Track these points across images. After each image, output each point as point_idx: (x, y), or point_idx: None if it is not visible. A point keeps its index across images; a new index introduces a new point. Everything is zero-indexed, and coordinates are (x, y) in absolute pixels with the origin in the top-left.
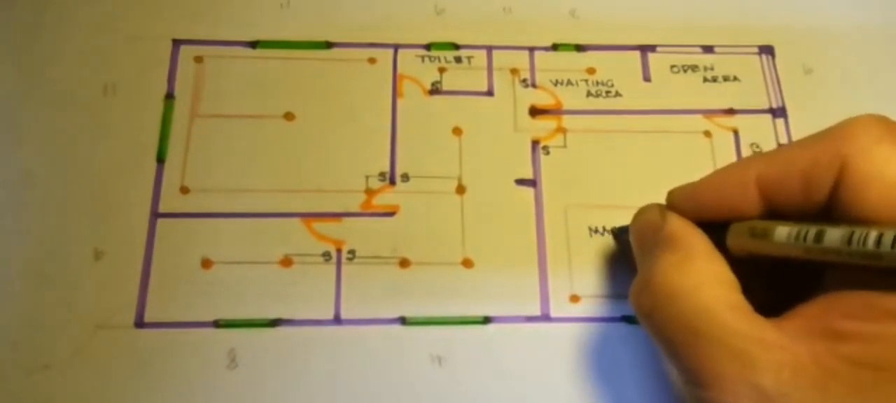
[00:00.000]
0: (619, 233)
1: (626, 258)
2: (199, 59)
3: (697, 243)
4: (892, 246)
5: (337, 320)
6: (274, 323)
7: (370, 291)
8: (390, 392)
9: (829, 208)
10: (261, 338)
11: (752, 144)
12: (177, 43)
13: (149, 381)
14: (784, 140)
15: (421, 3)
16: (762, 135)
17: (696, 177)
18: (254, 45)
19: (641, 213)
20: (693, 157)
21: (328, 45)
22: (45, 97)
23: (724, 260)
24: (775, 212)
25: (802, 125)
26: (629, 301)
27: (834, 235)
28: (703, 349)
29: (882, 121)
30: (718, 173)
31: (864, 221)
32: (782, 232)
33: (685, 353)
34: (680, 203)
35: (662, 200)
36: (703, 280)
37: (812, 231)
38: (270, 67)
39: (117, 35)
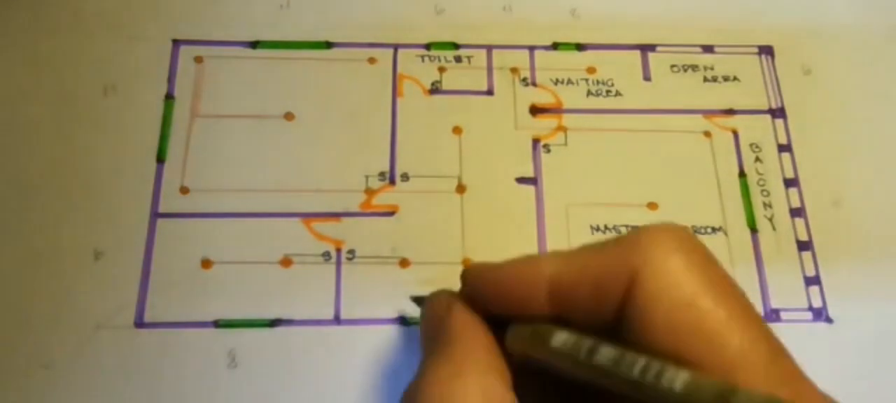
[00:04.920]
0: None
1: None
2: (199, 59)
3: (474, 351)
4: (654, 379)
5: (337, 320)
6: (274, 323)
7: (370, 291)
8: (390, 392)
9: (621, 324)
10: (261, 338)
11: (751, 145)
12: (177, 43)
13: (149, 381)
14: (784, 141)
15: (421, 3)
16: (762, 135)
17: (695, 177)
18: (254, 45)
19: (431, 301)
20: (693, 157)
21: (328, 45)
22: (45, 97)
23: (501, 372)
24: (568, 321)
25: (802, 125)
26: None
27: (607, 353)
28: None
29: (676, 231)
30: (512, 265)
31: (648, 344)
32: (559, 338)
33: None
34: (470, 289)
35: (663, 200)
36: (467, 398)
37: (588, 343)
38: (270, 67)
39: (117, 35)
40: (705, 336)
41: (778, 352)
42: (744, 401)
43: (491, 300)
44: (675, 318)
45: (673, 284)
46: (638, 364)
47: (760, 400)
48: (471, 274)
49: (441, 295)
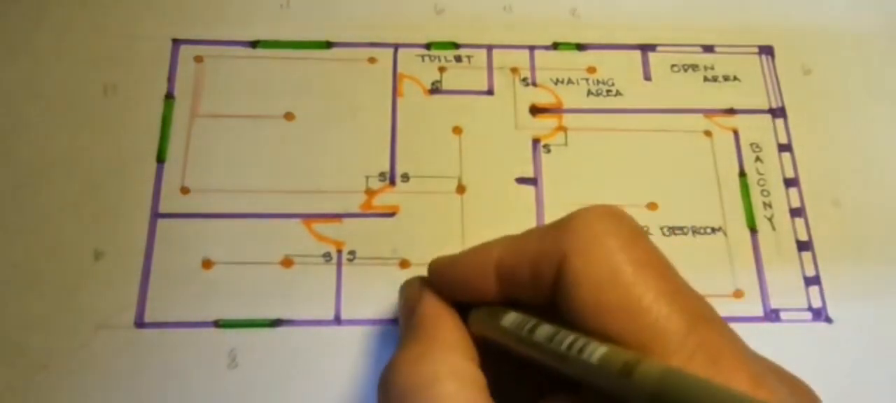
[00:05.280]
0: None
1: None
2: (199, 59)
3: (442, 332)
4: (577, 353)
5: (337, 321)
6: (274, 323)
7: (371, 292)
8: None
9: (556, 303)
10: (261, 338)
11: (752, 144)
12: (177, 43)
13: (149, 381)
14: (784, 141)
15: (421, 3)
16: (762, 135)
17: (695, 176)
18: (254, 44)
19: (406, 287)
20: (693, 157)
21: (328, 44)
22: (45, 97)
23: (468, 352)
24: (518, 304)
25: (802, 125)
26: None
27: (544, 331)
28: None
29: (606, 212)
30: (467, 253)
31: (579, 322)
32: (508, 318)
33: None
34: (434, 280)
35: (663, 200)
36: (437, 375)
37: (531, 322)
38: (270, 67)
39: (117, 35)
40: (625, 312)
41: (696, 322)
42: (644, 370)
43: (451, 288)
44: (599, 296)
45: (597, 263)
46: (567, 340)
47: (657, 372)
48: (433, 266)
49: (414, 283)
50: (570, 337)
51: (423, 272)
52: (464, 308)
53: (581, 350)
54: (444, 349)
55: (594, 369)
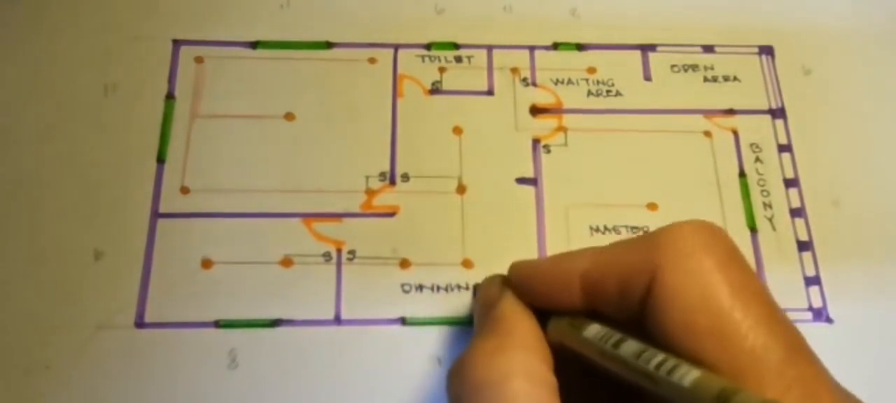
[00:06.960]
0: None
1: None
2: (199, 59)
3: (520, 331)
4: (667, 374)
5: (337, 320)
6: (274, 323)
7: (370, 291)
8: (390, 392)
9: (644, 319)
10: (261, 338)
11: (751, 145)
12: (177, 43)
13: (149, 381)
14: (784, 141)
15: (421, 3)
16: (762, 135)
17: (695, 176)
18: (254, 45)
19: (485, 285)
20: (693, 157)
21: (328, 45)
22: (45, 97)
23: (544, 355)
24: (600, 315)
25: (802, 125)
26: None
27: (630, 347)
28: None
29: (701, 230)
30: (551, 261)
31: (667, 341)
32: (591, 330)
33: None
34: (515, 282)
35: (663, 200)
36: (511, 372)
37: (616, 336)
38: (270, 67)
39: (117, 35)
40: (719, 337)
41: (794, 353)
42: (742, 401)
43: (532, 293)
44: (691, 319)
45: (690, 284)
46: (656, 359)
47: None
48: (515, 268)
49: (494, 281)
50: (659, 357)
51: (423, 272)
52: (540, 314)
53: (671, 371)
54: (520, 347)
55: (685, 392)
